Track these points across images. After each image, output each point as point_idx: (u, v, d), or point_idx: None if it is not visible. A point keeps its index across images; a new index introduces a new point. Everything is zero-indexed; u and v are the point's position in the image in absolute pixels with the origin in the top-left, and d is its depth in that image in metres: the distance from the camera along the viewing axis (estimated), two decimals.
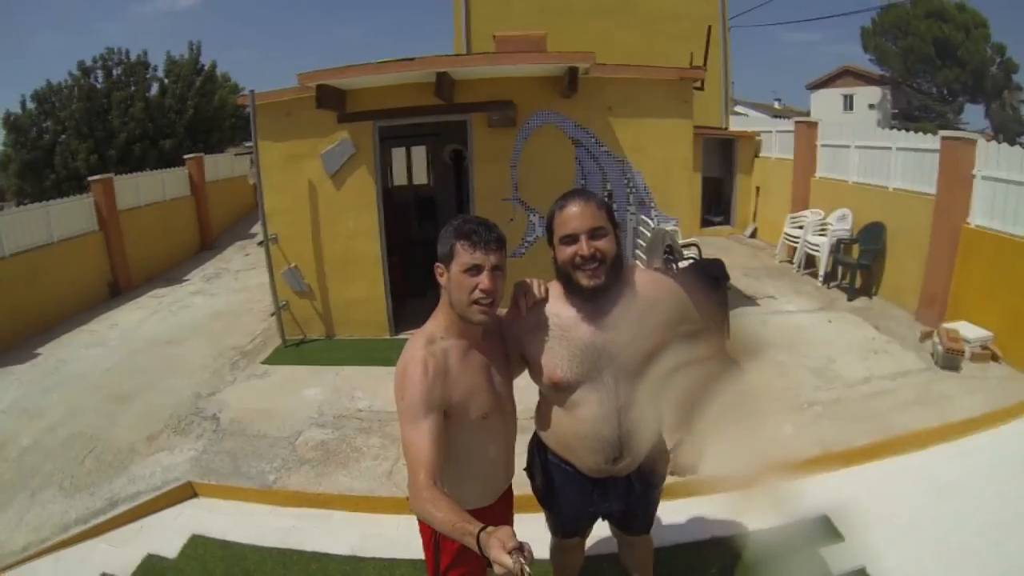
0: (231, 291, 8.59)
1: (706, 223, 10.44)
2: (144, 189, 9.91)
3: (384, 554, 3.27)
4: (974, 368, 4.92)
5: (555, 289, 1.87)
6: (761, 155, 10.16)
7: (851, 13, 53.08)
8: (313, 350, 6.08)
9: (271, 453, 4.18)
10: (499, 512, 1.99)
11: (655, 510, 2.23)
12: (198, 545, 3.49)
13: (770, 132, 9.90)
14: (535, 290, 1.88)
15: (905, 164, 6.57)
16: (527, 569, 1.23)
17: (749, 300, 6.79)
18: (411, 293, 6.79)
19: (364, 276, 6.18)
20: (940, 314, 5.70)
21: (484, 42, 9.55)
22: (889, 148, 6.83)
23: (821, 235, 7.52)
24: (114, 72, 15.23)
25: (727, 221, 10.73)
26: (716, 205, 10.88)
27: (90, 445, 4.49)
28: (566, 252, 1.77)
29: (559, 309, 1.83)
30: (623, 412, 1.82)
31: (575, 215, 1.75)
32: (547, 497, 2.10)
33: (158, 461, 4.22)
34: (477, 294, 1.70)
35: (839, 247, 7.15)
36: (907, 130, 6.89)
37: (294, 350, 6.08)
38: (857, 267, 6.83)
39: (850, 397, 4.52)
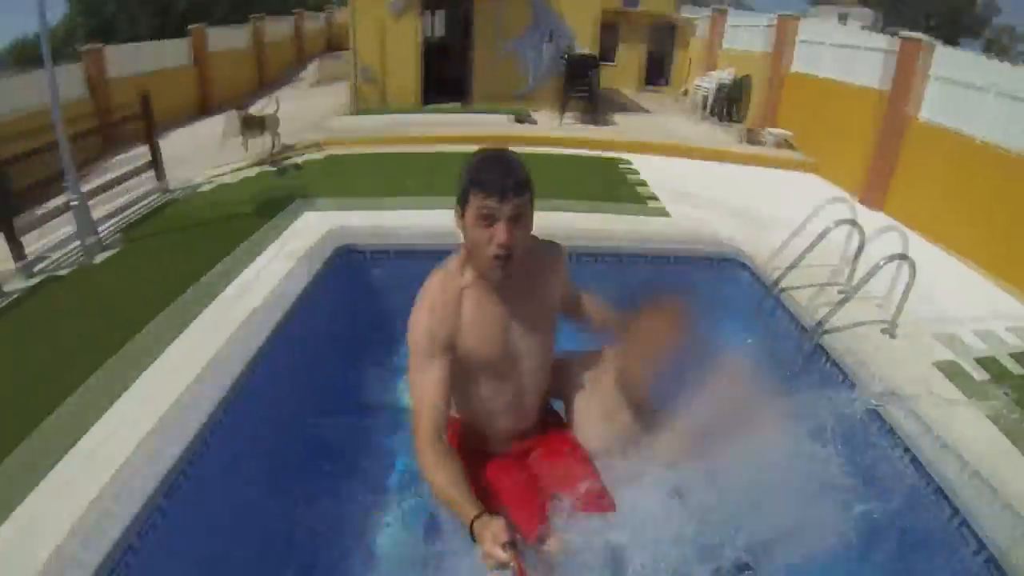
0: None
1: (651, 82, 14.00)
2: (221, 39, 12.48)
3: None
4: (771, 148, 8.59)
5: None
6: (696, 36, 13.56)
7: None
8: (376, 112, 9.73)
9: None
10: (520, 455, 1.94)
11: None
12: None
13: (700, 18, 13.27)
14: None
15: (758, 35, 10.09)
16: (515, 566, 1.22)
17: (647, 112, 10.58)
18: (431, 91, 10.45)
19: (407, 71, 9.92)
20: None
21: None
22: (758, 26, 10.33)
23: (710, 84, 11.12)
24: None
25: (667, 83, 14.36)
26: (660, 73, 14.44)
27: None
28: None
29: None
30: None
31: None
32: None
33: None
34: (493, 248, 1.54)
35: (720, 89, 10.76)
36: None
37: (364, 113, 9.77)
38: (727, 101, 10.46)
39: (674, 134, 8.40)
